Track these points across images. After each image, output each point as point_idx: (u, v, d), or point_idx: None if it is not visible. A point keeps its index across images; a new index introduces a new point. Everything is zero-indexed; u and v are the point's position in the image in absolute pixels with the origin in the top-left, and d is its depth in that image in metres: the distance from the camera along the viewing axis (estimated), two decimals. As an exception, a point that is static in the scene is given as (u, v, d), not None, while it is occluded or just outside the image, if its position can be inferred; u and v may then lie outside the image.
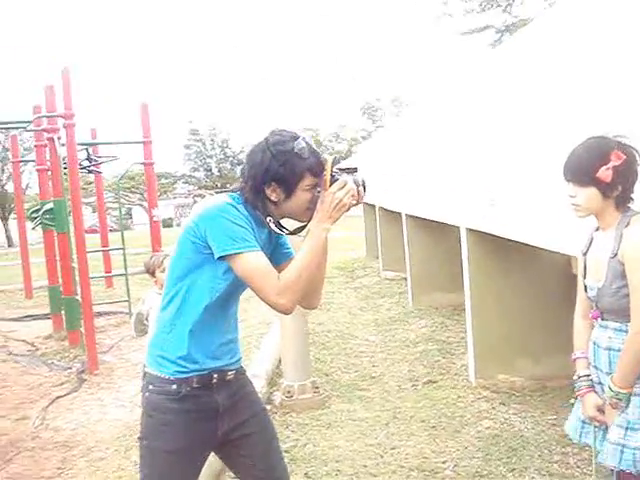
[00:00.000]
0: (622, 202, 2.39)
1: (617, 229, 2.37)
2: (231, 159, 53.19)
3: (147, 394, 2.41)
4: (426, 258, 9.12)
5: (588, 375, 2.58)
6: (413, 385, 5.92)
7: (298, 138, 2.28)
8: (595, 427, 2.57)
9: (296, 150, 2.26)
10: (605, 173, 2.32)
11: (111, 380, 6.85)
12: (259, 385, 5.50)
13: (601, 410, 2.50)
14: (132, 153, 11.93)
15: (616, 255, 2.34)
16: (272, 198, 2.32)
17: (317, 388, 5.60)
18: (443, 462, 4.20)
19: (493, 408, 5.08)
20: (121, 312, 10.34)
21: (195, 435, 2.40)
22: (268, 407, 5.35)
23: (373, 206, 13.41)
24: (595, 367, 2.54)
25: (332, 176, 2.29)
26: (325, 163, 2.31)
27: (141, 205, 42.90)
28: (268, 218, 2.35)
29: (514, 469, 3.95)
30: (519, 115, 4.51)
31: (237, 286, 2.38)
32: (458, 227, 6.10)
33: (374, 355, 7.06)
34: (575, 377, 2.64)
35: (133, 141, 10.95)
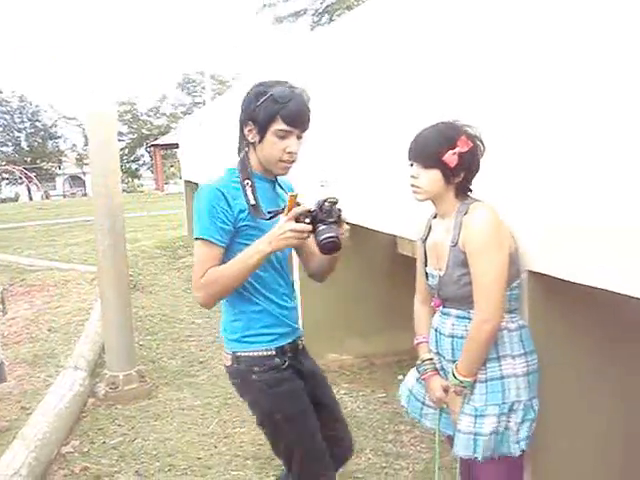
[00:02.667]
0: (462, 190, 2.39)
1: (456, 217, 2.36)
2: (42, 133, 50.25)
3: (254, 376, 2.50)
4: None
5: (431, 359, 2.58)
6: (243, 368, 5.80)
7: (283, 85, 2.35)
8: (440, 410, 2.57)
9: (273, 93, 2.31)
10: (451, 157, 2.30)
11: None
12: (80, 377, 5.19)
13: (447, 391, 2.51)
14: None
15: (457, 244, 2.34)
16: (249, 138, 2.40)
17: (143, 377, 5.36)
18: (279, 448, 4.14)
19: (324, 389, 5.08)
20: None
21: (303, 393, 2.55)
22: (91, 400, 5.07)
23: (195, 184, 13.11)
24: (438, 354, 2.54)
25: (313, 212, 2.26)
26: (291, 196, 2.28)
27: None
28: (246, 181, 2.38)
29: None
30: (351, 98, 4.49)
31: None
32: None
33: (201, 339, 6.88)
34: (418, 361, 2.62)
35: None
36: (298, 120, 2.34)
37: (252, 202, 2.36)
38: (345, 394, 4.95)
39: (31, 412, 4.57)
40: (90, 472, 3.96)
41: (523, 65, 2.45)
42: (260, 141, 2.37)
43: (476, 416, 2.32)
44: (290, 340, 2.54)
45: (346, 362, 5.60)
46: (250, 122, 2.37)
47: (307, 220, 2.25)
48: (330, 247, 2.24)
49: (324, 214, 2.26)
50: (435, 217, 2.53)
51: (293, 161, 2.41)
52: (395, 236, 5.28)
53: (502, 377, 2.33)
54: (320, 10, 27.81)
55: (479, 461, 2.31)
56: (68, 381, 5.07)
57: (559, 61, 2.24)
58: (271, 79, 2.41)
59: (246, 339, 2.49)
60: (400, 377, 5.26)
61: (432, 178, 2.36)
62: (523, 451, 2.34)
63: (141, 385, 5.27)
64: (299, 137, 2.39)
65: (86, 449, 4.26)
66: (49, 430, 4.17)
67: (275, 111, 2.30)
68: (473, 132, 2.35)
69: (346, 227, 2.32)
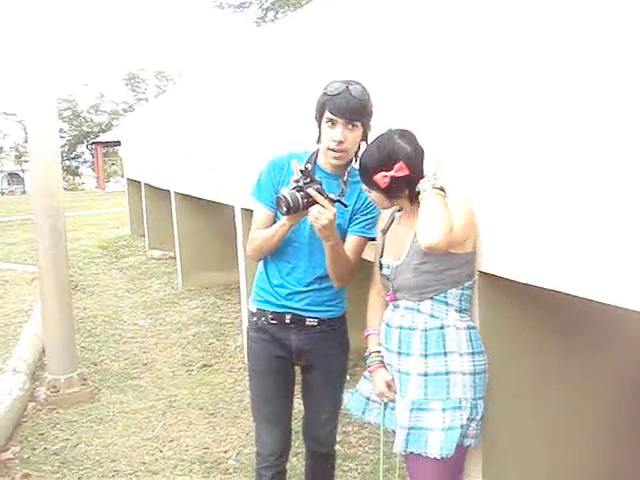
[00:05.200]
0: (416, 199, 2.37)
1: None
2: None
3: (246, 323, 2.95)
4: (196, 237, 8.91)
5: (379, 351, 2.57)
6: (187, 370, 5.73)
7: (336, 82, 2.53)
8: (384, 404, 2.57)
9: (326, 88, 2.54)
10: (381, 180, 2.32)
11: None
12: (20, 381, 5.04)
13: (390, 386, 2.50)
14: None
15: None
16: (319, 129, 2.61)
17: (85, 380, 5.24)
18: (225, 452, 4.09)
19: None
20: None
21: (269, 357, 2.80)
22: (31, 404, 4.93)
23: (138, 182, 12.92)
24: (386, 349, 2.52)
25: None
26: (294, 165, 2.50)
27: None
28: (307, 164, 2.59)
29: (298, 453, 3.91)
30: (288, 95, 4.45)
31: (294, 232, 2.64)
32: (230, 206, 6.01)
33: (144, 340, 6.76)
34: (367, 353, 2.62)
35: None
36: (342, 110, 2.48)
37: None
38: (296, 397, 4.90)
39: (-32, 418, 4.41)
40: (32, 479, 3.83)
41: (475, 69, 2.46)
42: (319, 135, 2.60)
43: (412, 409, 2.31)
44: (276, 310, 2.75)
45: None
46: (316, 118, 2.60)
47: (292, 186, 2.45)
48: (276, 201, 2.44)
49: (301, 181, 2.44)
50: (400, 210, 2.53)
51: (341, 150, 2.54)
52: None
53: (447, 372, 2.32)
54: (265, 6, 27.70)
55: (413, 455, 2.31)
56: (7, 385, 4.91)
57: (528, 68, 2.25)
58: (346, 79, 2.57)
59: (252, 293, 2.88)
60: (347, 377, 5.27)
61: (376, 196, 2.44)
62: (468, 447, 2.34)
63: (83, 388, 5.14)
64: (349, 128, 2.51)
65: (27, 455, 4.14)
66: (-13, 436, 4.03)
67: (324, 102, 2.53)
68: (411, 150, 2.33)
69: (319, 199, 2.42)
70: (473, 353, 2.35)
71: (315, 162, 2.66)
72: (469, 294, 2.41)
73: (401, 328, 2.42)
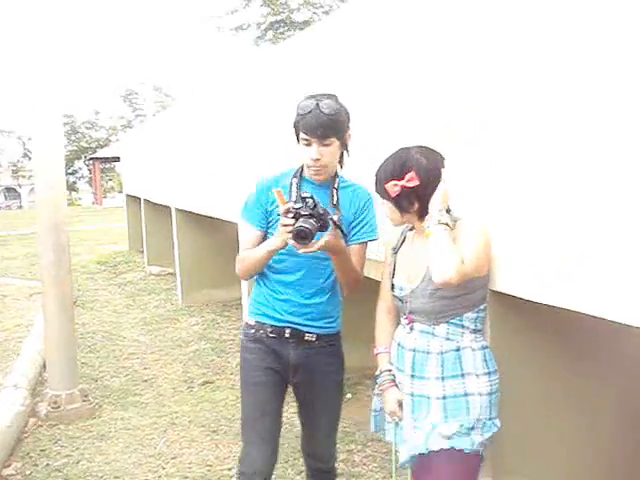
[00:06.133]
0: (425, 214, 2.38)
1: None
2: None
3: (241, 335, 2.94)
4: (196, 253, 8.90)
5: (390, 370, 2.57)
6: (189, 387, 5.71)
7: (307, 99, 2.58)
8: (396, 424, 2.56)
9: (298, 106, 2.59)
10: (392, 189, 2.33)
11: None
12: (21, 397, 5.02)
13: (401, 405, 2.50)
14: None
15: None
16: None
17: (86, 396, 5.21)
18: (229, 469, 4.05)
19: (274, 408, 5.02)
20: None
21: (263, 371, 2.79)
22: (32, 420, 4.91)
23: (137, 198, 12.93)
24: (397, 368, 2.52)
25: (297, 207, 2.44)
26: (276, 192, 2.50)
27: None
28: (293, 179, 2.70)
29: (302, 471, 3.90)
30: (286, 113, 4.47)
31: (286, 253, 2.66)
32: (229, 222, 6.05)
33: (145, 357, 6.73)
34: (377, 372, 2.61)
35: None
36: (313, 130, 2.54)
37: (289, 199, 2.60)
38: (294, 412, 4.84)
39: (-31, 433, 4.39)
40: (33, 496, 3.82)
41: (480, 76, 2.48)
42: (299, 146, 2.66)
43: (433, 432, 2.32)
44: (275, 324, 2.75)
45: (294, 380, 5.54)
46: (295, 134, 2.66)
47: (290, 215, 2.44)
48: (295, 235, 2.41)
49: (306, 208, 2.44)
50: (411, 229, 2.53)
51: (320, 167, 2.62)
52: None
53: (466, 394, 2.32)
54: (263, 27, 27.85)
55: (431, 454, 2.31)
56: (8, 400, 4.89)
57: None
58: (316, 93, 2.63)
59: (249, 306, 2.91)
60: (349, 395, 5.25)
61: (389, 208, 2.44)
62: (479, 453, 2.34)
63: (84, 404, 5.11)
64: (323, 144, 2.58)
65: (29, 471, 4.11)
66: (-11, 451, 4.01)
67: (297, 122, 2.60)
68: (427, 163, 2.34)
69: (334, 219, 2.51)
70: (489, 373, 2.35)
71: (301, 176, 2.72)
72: (484, 316, 2.41)
73: (415, 351, 2.42)
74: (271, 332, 2.76)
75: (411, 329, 2.45)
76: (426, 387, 2.38)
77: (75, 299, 9.01)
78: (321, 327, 2.76)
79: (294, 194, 2.65)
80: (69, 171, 47.59)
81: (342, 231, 2.60)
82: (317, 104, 2.54)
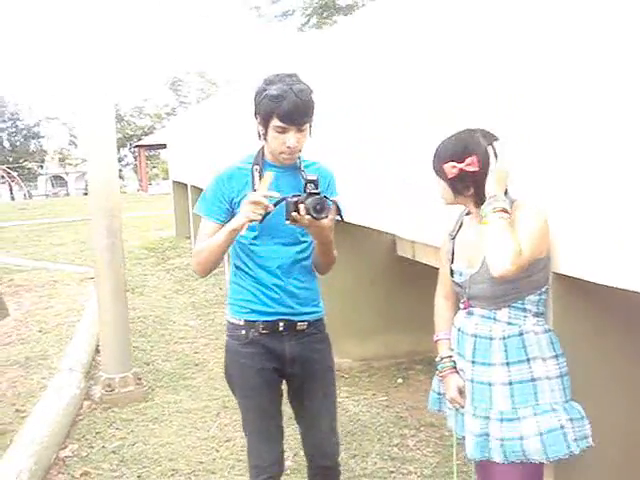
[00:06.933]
0: (481, 201, 2.33)
1: None
2: (24, 132, 49.74)
3: (227, 338, 2.78)
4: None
5: (451, 356, 2.53)
6: (239, 371, 5.73)
7: (276, 83, 2.45)
8: (456, 410, 2.52)
9: (268, 92, 2.44)
10: (450, 170, 2.29)
11: None
12: (75, 380, 5.11)
13: (462, 392, 2.46)
14: None
15: None
16: (259, 130, 2.55)
17: (140, 380, 5.27)
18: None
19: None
20: None
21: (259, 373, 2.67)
22: (87, 403, 4.98)
23: (184, 185, 13.02)
24: (458, 354, 2.49)
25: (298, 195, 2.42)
26: (267, 174, 2.46)
27: None
28: (255, 167, 2.59)
29: (355, 455, 3.90)
30: (354, 96, 4.44)
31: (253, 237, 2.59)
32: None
33: (195, 341, 6.79)
34: (438, 358, 2.58)
35: None
36: (292, 117, 2.45)
37: (255, 187, 2.54)
38: (346, 397, 4.89)
39: (26, 415, 4.48)
40: (91, 477, 3.88)
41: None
42: (265, 134, 2.54)
43: (502, 420, 2.27)
44: (267, 318, 2.64)
45: (344, 365, 5.53)
46: (256, 116, 2.55)
47: (273, 202, 2.40)
48: (314, 205, 2.37)
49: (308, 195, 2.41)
50: (468, 214, 2.48)
51: (294, 152, 2.54)
52: (395, 237, 5.25)
53: (533, 379, 2.26)
54: (308, 12, 27.77)
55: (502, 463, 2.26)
56: (63, 383, 4.98)
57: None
58: (279, 73, 2.52)
59: (229, 305, 2.75)
60: (400, 380, 5.24)
61: (443, 188, 2.39)
62: (583, 451, 2.26)
63: (137, 388, 5.18)
64: (300, 130, 2.50)
65: (85, 453, 4.18)
66: (47, 434, 4.09)
67: (271, 109, 2.45)
68: (489, 150, 2.28)
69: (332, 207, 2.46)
70: (556, 356, 2.30)
71: (263, 160, 2.62)
72: (545, 298, 2.35)
73: (476, 336, 2.37)
74: (264, 329, 2.65)
75: (469, 314, 2.41)
76: (488, 373, 2.33)
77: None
78: (309, 313, 2.70)
79: (257, 180, 2.54)
80: (115, 158, 48.23)
81: (340, 214, 2.55)
82: (290, 88, 2.43)
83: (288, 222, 2.42)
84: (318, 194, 2.42)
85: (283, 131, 2.47)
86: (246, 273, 2.67)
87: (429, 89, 3.35)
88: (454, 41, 3.11)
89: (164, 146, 23.60)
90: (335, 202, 2.49)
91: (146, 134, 42.69)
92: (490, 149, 2.28)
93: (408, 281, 5.55)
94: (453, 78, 3.10)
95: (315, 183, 2.46)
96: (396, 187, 3.79)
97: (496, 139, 2.32)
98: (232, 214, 2.57)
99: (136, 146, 40.02)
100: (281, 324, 2.65)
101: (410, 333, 5.63)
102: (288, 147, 2.50)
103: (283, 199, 2.42)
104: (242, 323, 2.68)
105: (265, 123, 2.50)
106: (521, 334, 2.30)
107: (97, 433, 4.49)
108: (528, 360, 2.28)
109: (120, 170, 49.45)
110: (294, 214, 2.39)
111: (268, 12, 28.72)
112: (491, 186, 2.25)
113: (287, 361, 2.69)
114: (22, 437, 3.97)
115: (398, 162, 3.75)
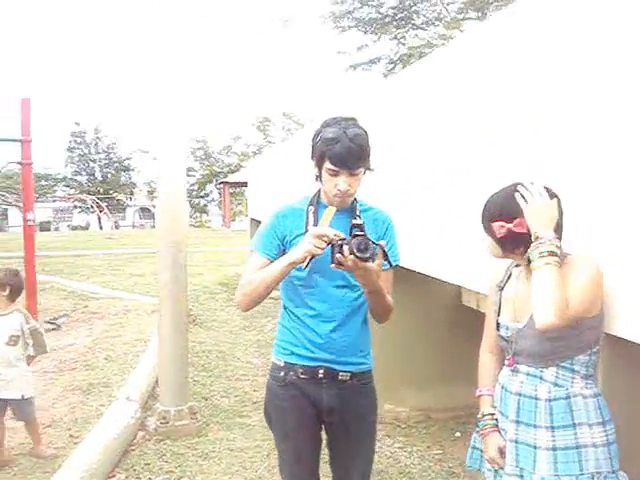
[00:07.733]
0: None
1: None
2: (116, 165, 51.63)
3: (268, 376, 2.80)
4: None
5: (493, 414, 2.43)
6: (296, 413, 5.68)
7: (332, 126, 2.48)
8: (495, 471, 2.41)
9: (322, 135, 2.48)
10: (499, 230, 2.22)
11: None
12: (132, 410, 5.15)
13: (502, 452, 2.35)
14: (9, 151, 11.11)
15: None
16: (315, 173, 2.58)
17: (195, 414, 5.28)
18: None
19: (379, 440, 4.89)
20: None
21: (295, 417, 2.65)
22: (141, 433, 5.01)
23: (259, 222, 13.18)
24: (500, 412, 2.39)
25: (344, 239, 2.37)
26: (329, 210, 2.48)
27: (18, 206, 40.90)
28: (310, 207, 2.60)
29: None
30: (422, 143, 4.41)
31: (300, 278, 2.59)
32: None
33: (255, 379, 6.77)
34: (479, 415, 2.48)
35: (10, 139, 10.18)
36: (344, 161, 2.45)
37: (307, 227, 2.54)
38: (399, 448, 4.78)
39: (80, 441, 4.55)
40: (133, 508, 3.89)
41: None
42: (319, 176, 2.57)
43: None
44: (307, 363, 2.60)
45: (401, 414, 5.42)
46: (312, 158, 2.57)
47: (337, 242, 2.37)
48: (357, 245, 2.33)
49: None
50: (517, 265, 2.40)
51: (346, 196, 2.54)
52: (460, 287, 5.14)
53: (578, 446, 2.15)
54: (394, 59, 28.04)
55: None
56: (119, 412, 5.04)
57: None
58: (337, 116, 2.55)
59: (274, 345, 2.77)
60: (457, 434, 5.08)
61: (490, 244, 2.33)
62: None
63: (192, 422, 5.19)
64: (352, 174, 2.49)
65: (131, 484, 4.20)
66: (95, 461, 4.12)
67: (324, 152, 2.47)
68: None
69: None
70: (603, 422, 2.17)
71: (318, 202, 2.63)
72: (596, 359, 2.24)
73: (520, 395, 2.27)
74: (302, 373, 2.61)
75: (513, 371, 2.31)
76: (532, 435, 2.23)
77: (194, 318, 9.26)
78: (354, 364, 2.63)
79: (311, 221, 2.56)
80: (200, 194, 49.34)
81: (387, 259, 2.49)
82: (345, 132, 2.44)
83: (333, 266, 2.39)
84: (363, 236, 2.39)
85: (335, 174, 2.48)
86: (292, 314, 2.67)
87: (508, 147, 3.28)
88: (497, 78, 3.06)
89: (247, 184, 24.03)
90: (381, 246, 2.43)
91: (232, 172, 43.56)
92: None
93: (472, 331, 5.40)
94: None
95: (361, 227, 2.45)
96: (462, 237, 3.72)
97: (555, 196, 2.23)
98: (283, 252, 2.57)
99: (221, 182, 40.90)
100: (321, 371, 2.60)
101: (471, 385, 5.46)
102: (339, 190, 2.50)
103: (330, 243, 2.40)
104: (282, 364, 2.67)
105: (319, 165, 2.53)
106: (568, 397, 2.20)
107: (146, 464, 4.51)
108: (574, 425, 2.17)
109: (205, 205, 50.67)
110: (338, 256, 2.36)
111: (355, 59, 29.19)
112: (537, 225, 2.15)
113: (324, 410, 2.64)
114: (71, 463, 4.02)
115: (465, 211, 3.68)
